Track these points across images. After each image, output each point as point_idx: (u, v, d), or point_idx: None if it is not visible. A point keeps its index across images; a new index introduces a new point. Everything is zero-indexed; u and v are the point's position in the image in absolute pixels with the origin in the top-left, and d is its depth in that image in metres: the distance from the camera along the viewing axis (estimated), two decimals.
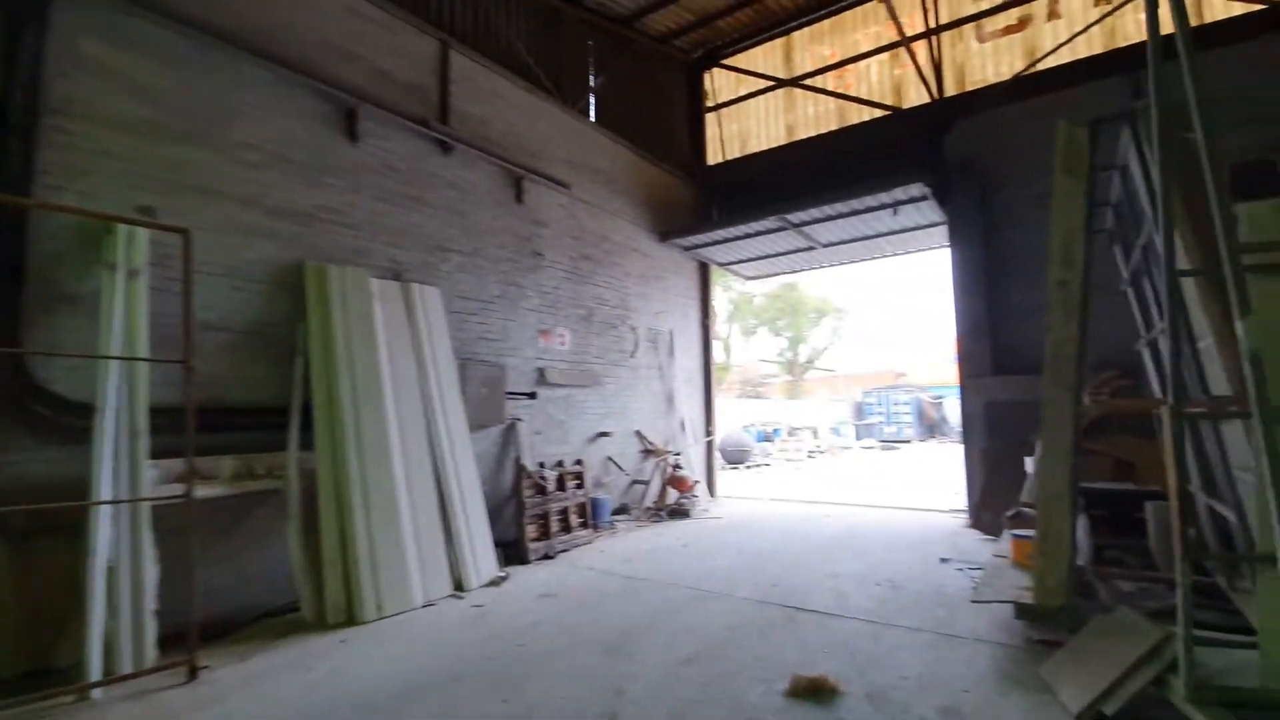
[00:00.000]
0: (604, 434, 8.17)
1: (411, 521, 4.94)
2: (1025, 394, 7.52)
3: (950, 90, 8.97)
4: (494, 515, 6.08)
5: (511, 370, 6.84)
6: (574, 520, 6.83)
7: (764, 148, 10.57)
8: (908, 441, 29.58)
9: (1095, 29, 8.13)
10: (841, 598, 4.77)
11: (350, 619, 4.39)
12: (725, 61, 10.94)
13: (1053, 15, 8.52)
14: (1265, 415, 1.89)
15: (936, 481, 12.64)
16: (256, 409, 4.68)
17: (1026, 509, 5.22)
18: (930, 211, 8.54)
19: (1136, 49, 7.76)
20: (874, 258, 10.64)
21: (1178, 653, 2.54)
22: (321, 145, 5.28)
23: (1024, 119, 8.07)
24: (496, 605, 4.73)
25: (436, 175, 6.23)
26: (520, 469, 6.48)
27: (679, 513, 8.52)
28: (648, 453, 8.96)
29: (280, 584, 4.60)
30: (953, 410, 33.60)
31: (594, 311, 8.28)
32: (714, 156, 11.07)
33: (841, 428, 28.10)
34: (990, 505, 7.10)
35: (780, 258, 10.53)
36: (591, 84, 9.10)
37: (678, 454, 9.16)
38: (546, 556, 6.19)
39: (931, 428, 32.66)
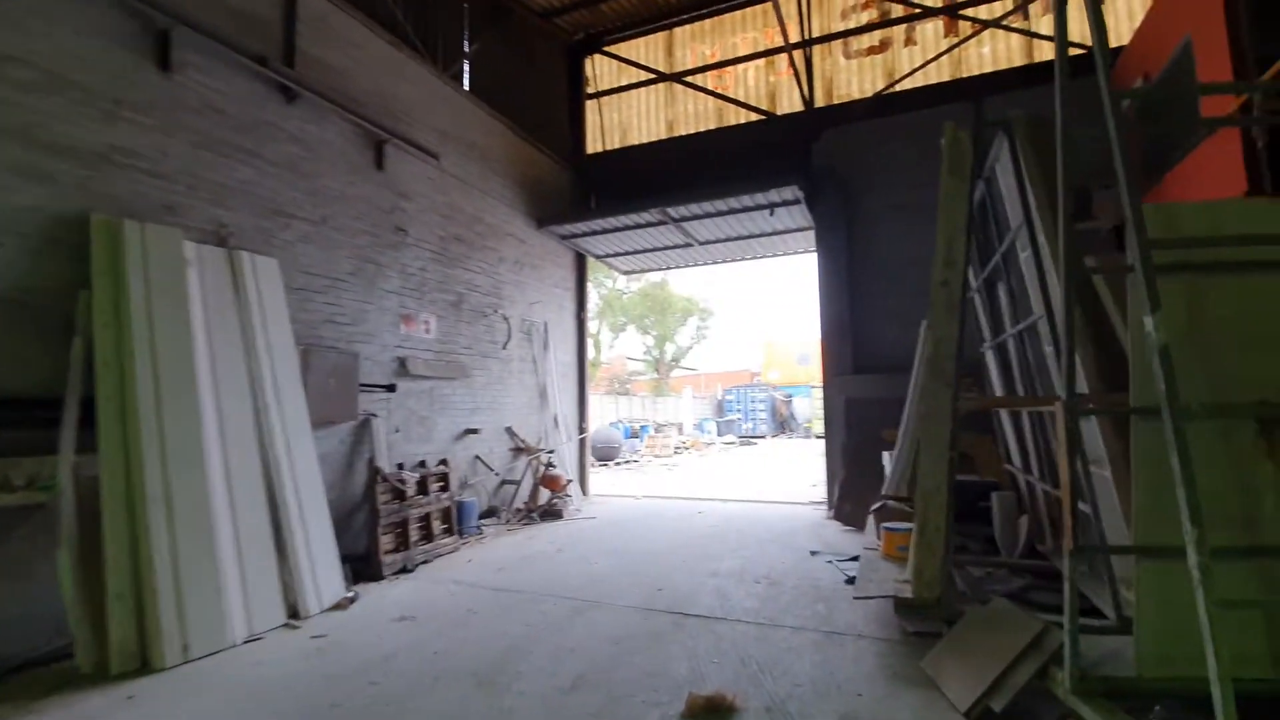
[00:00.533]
0: (472, 431, 7.53)
1: (233, 538, 4.09)
2: (882, 391, 8.02)
3: (820, 101, 9.35)
4: (342, 525, 5.30)
5: (366, 359, 6.03)
6: (437, 527, 6.17)
7: (644, 140, 10.43)
8: (762, 437, 31.34)
9: (945, 58, 8.84)
10: (725, 598, 4.65)
11: (144, 666, 3.50)
12: (607, 48, 10.64)
13: (909, 41, 9.14)
14: (1176, 411, 1.93)
15: (793, 474, 13.33)
16: (13, 400, 3.61)
17: (892, 502, 5.46)
18: (801, 216, 8.83)
19: (978, 79, 8.55)
20: (747, 258, 10.90)
21: (1060, 644, 2.61)
22: (122, 71, 4.22)
23: (883, 135, 8.59)
24: (343, 634, 4.04)
25: (277, 126, 5.29)
26: (375, 471, 5.71)
27: (551, 514, 8.10)
28: (519, 451, 8.43)
29: (47, 626, 3.59)
30: (801, 408, 36.21)
31: (464, 298, 7.60)
32: (593, 145, 10.74)
33: (704, 424, 29.09)
34: (850, 497, 7.46)
35: (658, 253, 10.44)
36: (466, 50, 8.38)
37: (551, 452, 8.72)
38: (404, 570, 5.50)
39: (782, 424, 34.92)
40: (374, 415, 6.03)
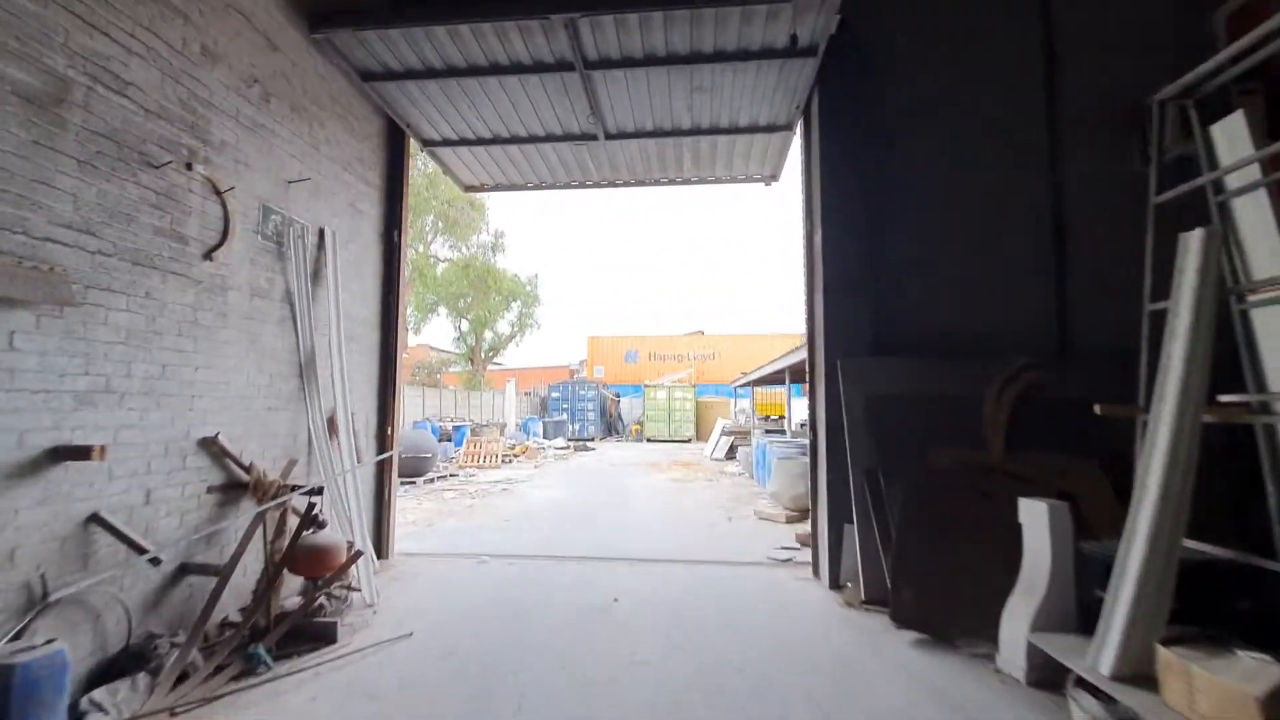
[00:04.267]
0: (75, 453, 2.79)
1: None
2: (930, 384, 4.87)
3: None
4: None
5: None
6: None
7: None
8: (593, 439, 28.06)
9: None
10: None
11: None
12: None
13: None
14: None
15: (673, 490, 9.94)
16: None
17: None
18: (784, 99, 5.44)
19: None
20: (665, 180, 7.20)
21: None
22: None
23: None
24: None
25: None
26: None
27: (310, 636, 3.59)
28: (234, 489, 3.78)
29: None
30: (628, 409, 33.61)
31: (78, 94, 2.85)
32: None
33: (530, 425, 24.86)
34: (915, 579, 4.11)
35: (535, 147, 6.30)
36: None
37: (314, 492, 4.12)
38: None
39: (610, 426, 32.08)
40: None
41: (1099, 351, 4.91)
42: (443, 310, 27.56)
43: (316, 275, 4.71)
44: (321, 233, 4.78)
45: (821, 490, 5.15)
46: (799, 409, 29.41)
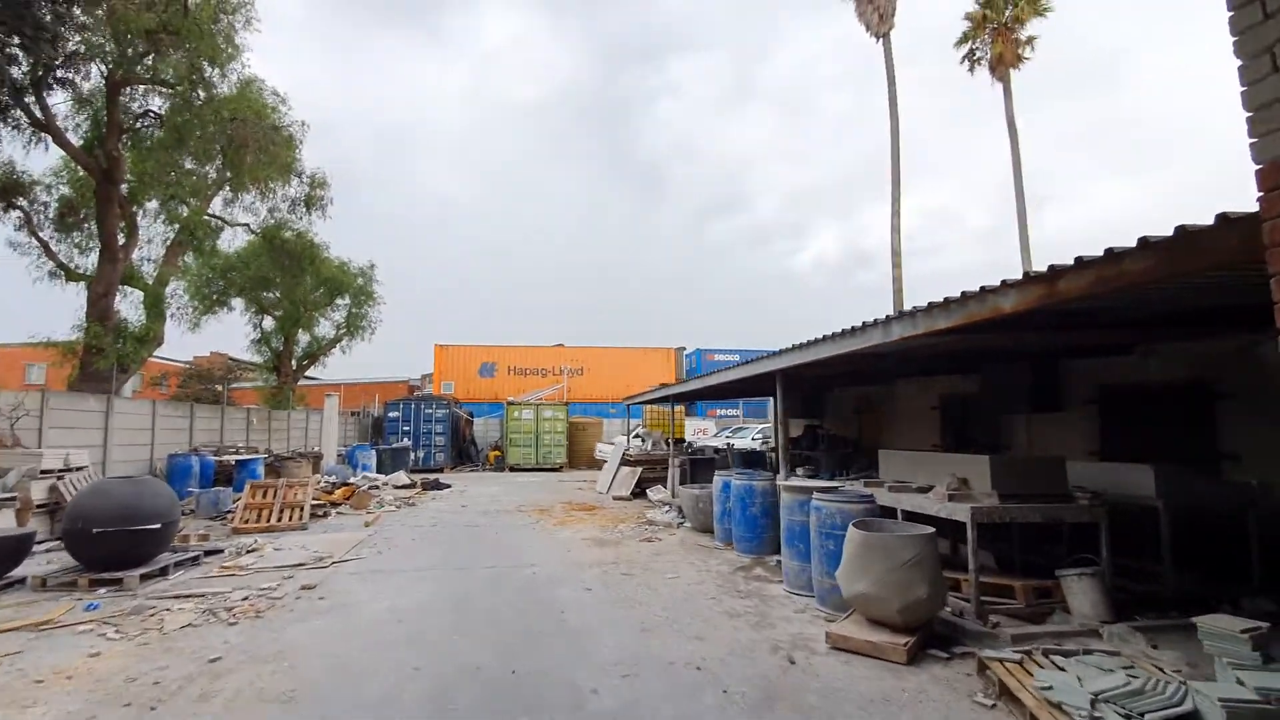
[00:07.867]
0: None
1: None
2: None
3: None
4: None
5: None
6: None
7: None
8: (441, 470, 22.73)
9: None
10: None
11: None
12: None
13: None
14: None
15: (608, 568, 5.73)
16: None
17: None
18: None
19: None
20: None
21: None
22: None
23: None
24: None
25: None
26: None
27: None
28: None
29: None
30: (481, 431, 28.54)
31: None
32: None
33: (357, 453, 18.98)
34: None
35: None
36: None
37: None
38: None
39: (462, 452, 26.79)
40: None
41: None
42: (239, 303, 20.60)
43: None
44: None
45: None
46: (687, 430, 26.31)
